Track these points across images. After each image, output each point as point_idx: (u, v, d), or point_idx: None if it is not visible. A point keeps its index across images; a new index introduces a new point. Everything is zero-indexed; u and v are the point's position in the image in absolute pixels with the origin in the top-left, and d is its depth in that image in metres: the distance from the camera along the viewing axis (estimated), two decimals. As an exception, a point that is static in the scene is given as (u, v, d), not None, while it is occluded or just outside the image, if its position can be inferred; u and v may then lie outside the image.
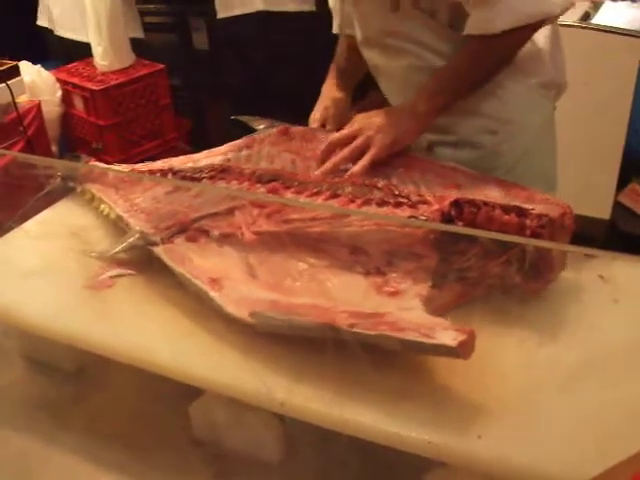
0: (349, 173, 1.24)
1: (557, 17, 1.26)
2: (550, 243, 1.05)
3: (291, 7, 3.13)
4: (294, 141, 1.45)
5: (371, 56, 1.47)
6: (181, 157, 1.49)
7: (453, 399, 0.90)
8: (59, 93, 3.00)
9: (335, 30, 1.64)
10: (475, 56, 1.27)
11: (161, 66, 3.06)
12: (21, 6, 3.62)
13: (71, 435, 1.20)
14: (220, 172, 1.32)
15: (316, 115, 1.53)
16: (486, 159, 1.39)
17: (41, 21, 3.45)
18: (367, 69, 1.54)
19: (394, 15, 1.32)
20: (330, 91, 1.57)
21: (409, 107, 1.30)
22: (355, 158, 1.27)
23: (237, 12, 3.18)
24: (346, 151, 1.28)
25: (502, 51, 1.28)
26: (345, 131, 1.32)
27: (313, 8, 3.12)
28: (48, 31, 3.43)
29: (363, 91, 1.66)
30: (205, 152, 1.48)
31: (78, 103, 3.01)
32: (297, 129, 1.48)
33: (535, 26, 1.24)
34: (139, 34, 3.32)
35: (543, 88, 1.41)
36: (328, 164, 1.29)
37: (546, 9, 1.21)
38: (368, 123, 1.29)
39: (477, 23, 1.23)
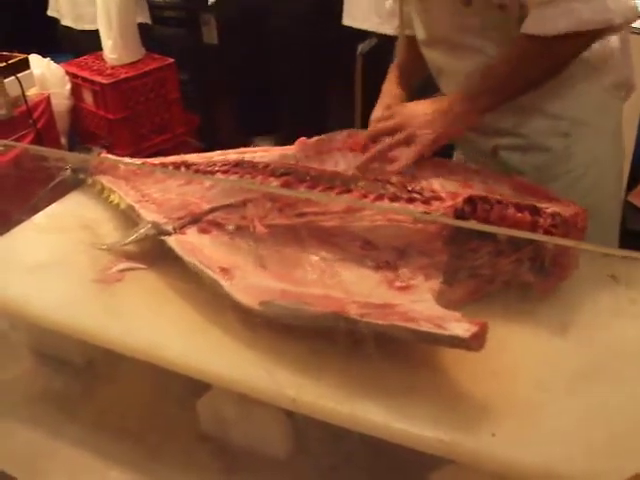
0: (392, 168, 1.23)
1: (619, 28, 1.21)
2: (562, 240, 1.04)
3: None
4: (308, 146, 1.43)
5: (435, 56, 1.44)
6: (194, 154, 1.49)
7: (465, 397, 0.89)
8: (68, 86, 3.00)
9: (394, 31, 1.63)
10: (527, 57, 1.22)
11: (171, 60, 3.06)
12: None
13: (79, 429, 1.20)
14: (234, 166, 1.32)
15: (377, 113, 1.49)
16: (556, 164, 1.35)
17: (51, 11, 3.44)
18: (428, 69, 1.51)
19: (466, 10, 1.28)
20: (392, 89, 1.54)
21: (452, 103, 1.26)
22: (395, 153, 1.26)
23: None
24: (388, 143, 1.26)
25: (555, 56, 1.22)
26: (387, 124, 1.29)
27: None
28: (59, 24, 3.42)
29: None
30: (219, 152, 1.47)
31: (87, 97, 3.01)
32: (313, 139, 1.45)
33: (593, 34, 1.19)
34: (146, 19, 3.31)
35: (616, 88, 1.37)
36: (368, 154, 1.27)
37: (606, 17, 1.16)
38: (410, 118, 1.27)
39: (535, 22, 1.19)
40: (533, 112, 1.34)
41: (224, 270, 1.07)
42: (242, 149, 1.45)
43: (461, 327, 0.82)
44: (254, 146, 1.51)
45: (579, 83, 1.32)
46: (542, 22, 1.18)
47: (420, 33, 1.44)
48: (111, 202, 1.39)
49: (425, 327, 0.84)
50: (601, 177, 1.37)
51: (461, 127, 1.28)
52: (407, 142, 1.25)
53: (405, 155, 1.24)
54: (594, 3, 1.15)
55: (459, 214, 1.04)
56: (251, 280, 1.05)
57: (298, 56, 3.24)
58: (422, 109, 1.28)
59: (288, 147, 1.42)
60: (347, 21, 3.01)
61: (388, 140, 1.26)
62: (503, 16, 1.25)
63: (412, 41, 1.51)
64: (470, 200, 1.04)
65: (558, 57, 1.23)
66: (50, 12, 3.43)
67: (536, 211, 1.04)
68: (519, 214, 1.04)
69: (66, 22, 3.32)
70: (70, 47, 3.37)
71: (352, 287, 1.02)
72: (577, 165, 1.35)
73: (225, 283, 1.04)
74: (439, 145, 1.26)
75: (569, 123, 1.34)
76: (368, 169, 1.26)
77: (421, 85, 1.58)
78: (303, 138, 1.43)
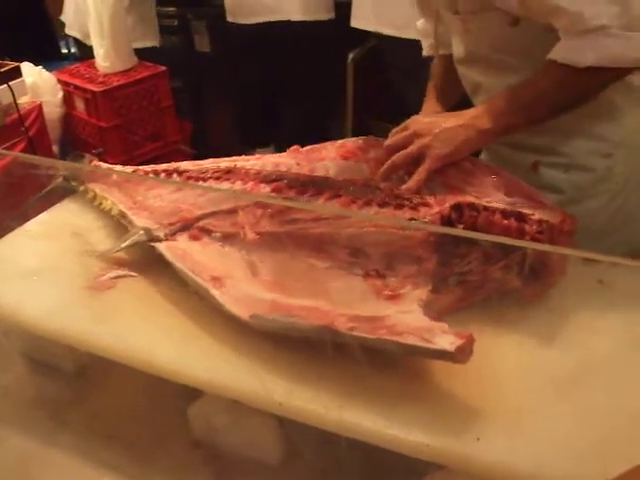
0: (404, 188, 1.17)
1: None
2: (550, 247, 1.05)
3: (323, 16, 3.12)
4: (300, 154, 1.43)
5: (472, 74, 1.42)
6: (186, 162, 1.49)
7: (452, 402, 0.90)
8: (60, 94, 3.00)
9: (426, 52, 1.60)
10: (554, 84, 1.20)
11: (163, 68, 3.06)
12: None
13: (70, 435, 1.20)
14: (226, 173, 1.32)
15: None
16: (597, 183, 1.34)
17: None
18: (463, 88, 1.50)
19: (511, 30, 1.26)
20: (432, 108, 1.49)
21: (472, 118, 1.22)
22: (408, 165, 1.21)
23: (268, 19, 3.15)
24: (399, 157, 1.22)
25: (583, 87, 1.20)
26: (400, 136, 1.25)
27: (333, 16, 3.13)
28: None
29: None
30: (211, 160, 1.48)
31: (79, 104, 3.01)
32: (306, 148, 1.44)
33: (623, 71, 1.17)
34: (155, 42, 3.34)
35: None
36: (380, 173, 1.23)
37: (638, 55, 1.13)
38: (425, 128, 1.22)
39: (564, 51, 1.17)
40: (577, 132, 1.32)
41: (215, 279, 1.07)
42: (235, 157, 1.45)
43: (447, 340, 0.84)
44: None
45: (623, 106, 1.30)
46: (571, 52, 1.16)
47: (458, 51, 1.42)
48: (103, 208, 1.39)
49: (411, 341, 0.86)
50: (637, 191, 1.36)
51: (479, 143, 1.24)
52: (419, 155, 1.20)
53: (416, 173, 1.19)
54: (629, 40, 1.12)
55: (446, 220, 1.04)
56: (242, 289, 1.06)
57: (291, 64, 3.25)
58: (440, 121, 1.24)
59: (280, 155, 1.42)
60: (355, 23, 2.99)
61: (400, 153, 1.22)
62: (548, 36, 1.22)
63: (447, 61, 1.49)
64: (457, 206, 1.05)
65: (584, 88, 1.20)
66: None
67: (522, 218, 1.05)
68: (505, 221, 1.04)
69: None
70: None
71: (341, 296, 1.03)
72: (616, 183, 1.34)
73: (216, 292, 1.05)
74: (453, 160, 1.22)
75: (612, 145, 1.32)
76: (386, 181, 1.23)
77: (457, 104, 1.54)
78: (296, 146, 1.43)
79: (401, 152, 1.22)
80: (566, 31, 1.17)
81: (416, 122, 1.26)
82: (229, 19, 3.20)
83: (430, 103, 1.51)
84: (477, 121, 1.22)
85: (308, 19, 3.09)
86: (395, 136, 1.27)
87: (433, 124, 1.23)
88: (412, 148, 1.21)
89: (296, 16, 3.08)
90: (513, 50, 1.31)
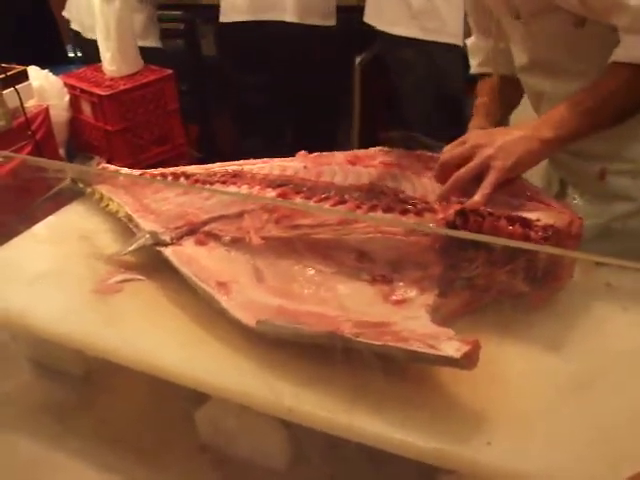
0: (469, 203, 1.10)
1: None
2: (557, 249, 1.04)
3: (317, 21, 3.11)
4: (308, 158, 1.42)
5: (536, 82, 1.39)
6: (194, 166, 1.49)
7: (461, 406, 0.90)
8: (67, 98, 3.00)
9: (474, 70, 1.58)
10: (620, 87, 1.16)
11: (169, 72, 3.06)
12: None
13: (78, 440, 1.20)
14: (232, 177, 1.32)
15: None
16: None
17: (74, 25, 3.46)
18: (510, 107, 1.49)
19: (577, 32, 1.23)
20: (479, 126, 1.43)
21: (534, 129, 1.17)
22: (473, 179, 1.14)
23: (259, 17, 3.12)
24: (465, 172, 1.15)
25: None
26: (460, 149, 1.18)
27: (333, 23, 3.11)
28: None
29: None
30: (219, 164, 1.48)
31: (86, 108, 3.01)
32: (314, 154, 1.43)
33: None
34: (156, 43, 3.34)
35: None
36: (444, 189, 1.17)
37: None
38: (486, 141, 1.16)
39: (628, 50, 1.13)
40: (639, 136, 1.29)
41: (221, 284, 1.07)
42: (242, 161, 1.45)
43: (453, 347, 0.83)
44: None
45: None
46: (636, 50, 1.13)
47: (521, 59, 1.39)
48: (109, 210, 1.39)
49: (417, 347, 0.85)
50: None
51: (543, 153, 1.19)
52: (482, 169, 1.14)
53: (482, 187, 1.12)
54: None
55: (451, 226, 1.04)
56: (248, 295, 1.06)
57: (297, 68, 3.24)
58: (500, 132, 1.19)
59: (288, 159, 1.42)
60: (368, 19, 2.96)
61: (467, 166, 1.15)
62: (614, 37, 1.18)
63: (495, 79, 1.48)
64: (462, 212, 1.05)
65: None
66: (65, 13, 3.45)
67: (527, 224, 1.03)
68: (510, 227, 1.03)
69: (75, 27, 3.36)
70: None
71: (348, 301, 1.03)
72: None
73: (222, 298, 1.05)
74: (519, 172, 1.17)
75: None
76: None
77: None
78: (303, 152, 1.43)
79: (467, 166, 1.15)
80: (628, 29, 1.14)
81: (474, 135, 1.21)
82: (222, 19, 3.17)
83: (479, 119, 1.46)
84: (539, 131, 1.17)
85: (304, 22, 3.06)
86: (451, 151, 1.20)
87: (494, 135, 1.18)
88: (476, 161, 1.15)
89: (291, 17, 3.06)
90: (578, 53, 1.28)
